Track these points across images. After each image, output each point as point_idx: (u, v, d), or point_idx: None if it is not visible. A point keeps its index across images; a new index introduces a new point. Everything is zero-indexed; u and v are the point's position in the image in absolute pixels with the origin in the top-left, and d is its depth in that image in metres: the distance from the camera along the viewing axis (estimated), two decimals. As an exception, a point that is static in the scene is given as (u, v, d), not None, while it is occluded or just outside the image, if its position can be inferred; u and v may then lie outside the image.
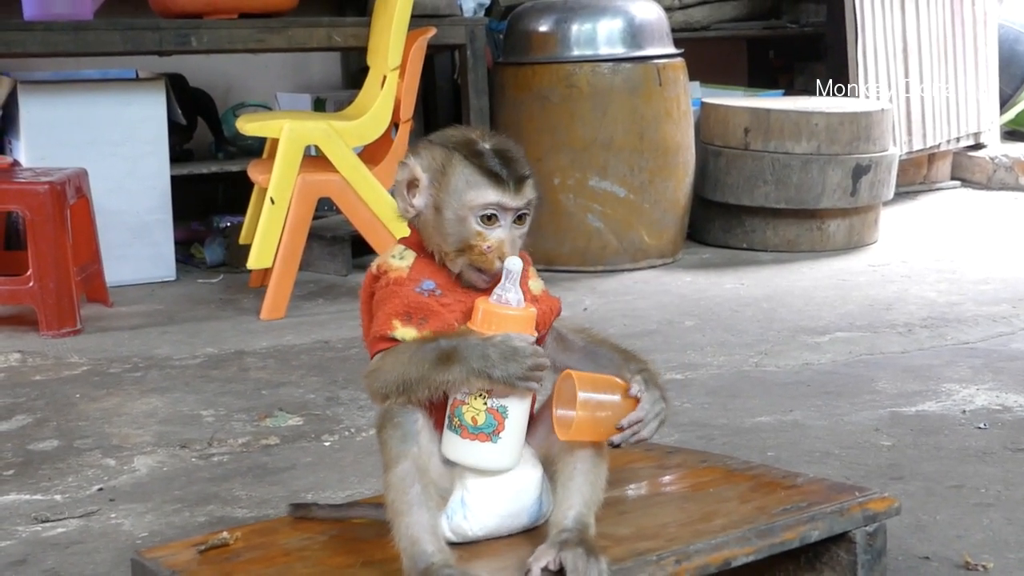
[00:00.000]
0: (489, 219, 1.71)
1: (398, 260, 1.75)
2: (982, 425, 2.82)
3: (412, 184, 1.74)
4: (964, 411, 2.93)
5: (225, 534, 1.79)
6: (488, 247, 1.71)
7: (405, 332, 1.69)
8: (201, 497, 2.54)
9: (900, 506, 1.85)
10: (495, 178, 1.70)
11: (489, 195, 1.70)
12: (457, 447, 1.69)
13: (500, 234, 1.71)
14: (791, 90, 6.33)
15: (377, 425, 1.71)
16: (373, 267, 1.78)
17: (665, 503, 1.80)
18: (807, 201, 4.94)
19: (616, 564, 1.60)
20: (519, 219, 1.73)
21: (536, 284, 1.82)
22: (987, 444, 2.68)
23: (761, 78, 6.65)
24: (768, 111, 4.98)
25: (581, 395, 1.65)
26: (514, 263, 1.69)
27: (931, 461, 2.58)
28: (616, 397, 1.68)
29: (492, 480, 1.70)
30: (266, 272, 4.28)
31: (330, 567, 1.67)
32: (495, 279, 1.71)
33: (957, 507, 2.30)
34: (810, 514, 1.76)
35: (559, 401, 1.70)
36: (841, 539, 1.79)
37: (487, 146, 1.73)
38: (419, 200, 1.74)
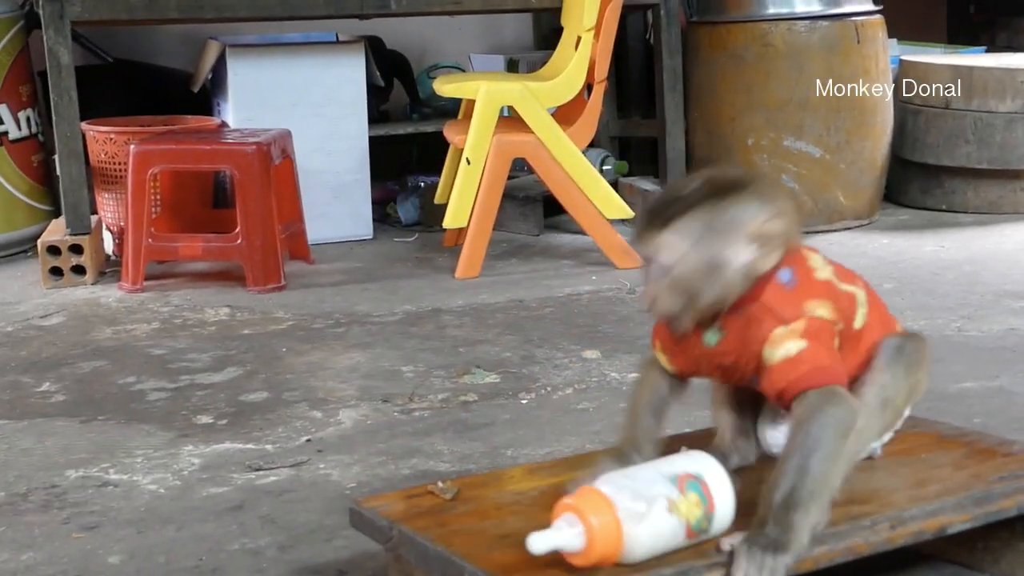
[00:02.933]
0: (643, 267, 1.73)
1: None
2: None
3: None
4: None
5: (441, 484, 1.85)
6: (644, 294, 1.74)
7: (659, 355, 1.86)
8: (405, 451, 2.61)
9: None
10: (639, 231, 1.73)
11: (634, 246, 1.76)
12: None
13: (648, 282, 1.72)
14: (993, 47, 6.10)
15: None
16: None
17: (877, 468, 1.78)
18: (1011, 161, 4.79)
19: (830, 528, 1.60)
20: (664, 269, 1.68)
21: (777, 354, 1.68)
22: None
23: (961, 34, 6.44)
24: (971, 68, 4.83)
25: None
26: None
27: None
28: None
29: None
30: (460, 231, 4.35)
31: (543, 521, 1.69)
32: (673, 327, 1.75)
33: None
34: (1028, 482, 1.73)
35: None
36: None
37: (665, 196, 1.73)
38: None
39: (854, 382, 1.77)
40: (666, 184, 1.79)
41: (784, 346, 1.67)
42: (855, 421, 1.65)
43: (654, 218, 1.70)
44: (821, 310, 1.70)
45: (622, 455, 1.82)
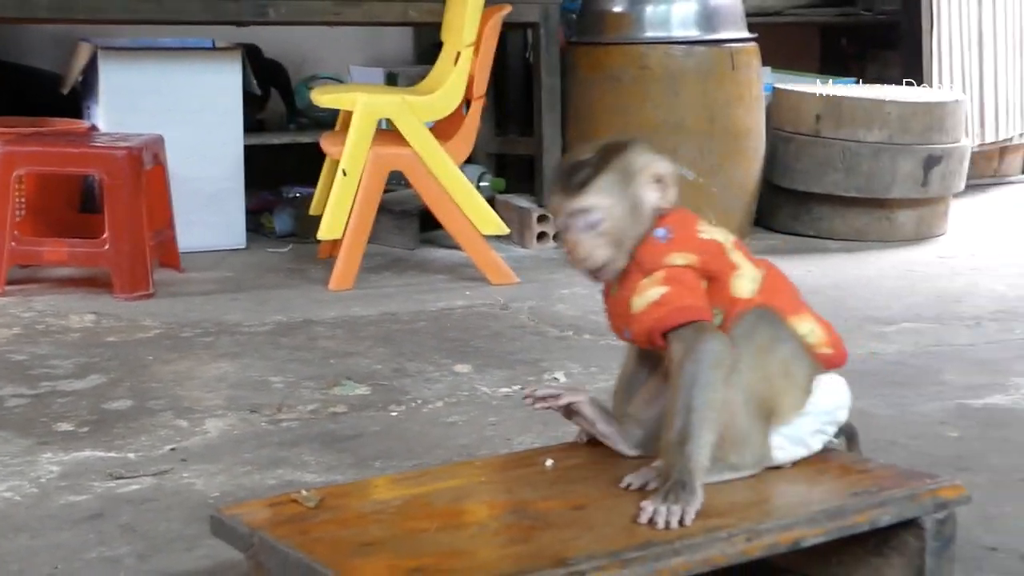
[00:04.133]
0: (562, 224, 1.91)
1: None
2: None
3: None
4: (1032, 405, 2.92)
5: (304, 492, 1.83)
6: (565, 249, 1.93)
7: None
8: (271, 461, 2.58)
9: (970, 496, 1.86)
10: (554, 186, 1.93)
11: (553, 201, 1.92)
12: None
13: (571, 236, 1.90)
14: (863, 78, 6.27)
15: None
16: None
17: (736, 482, 1.81)
18: (877, 190, 4.92)
19: (687, 539, 1.62)
20: (591, 224, 1.87)
21: (639, 303, 1.87)
22: (1056, 439, 2.67)
23: (833, 65, 6.60)
24: (841, 98, 4.96)
25: None
26: None
27: (998, 454, 2.58)
28: None
29: None
30: (335, 243, 4.32)
31: (405, 530, 1.70)
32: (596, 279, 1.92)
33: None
34: (881, 499, 1.78)
35: None
36: (910, 525, 1.79)
37: (574, 159, 1.91)
38: None
39: None
40: (566, 155, 2.04)
41: (647, 294, 1.86)
42: (727, 350, 1.81)
43: (572, 182, 1.88)
44: (680, 259, 1.86)
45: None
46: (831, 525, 1.70)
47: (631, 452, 1.96)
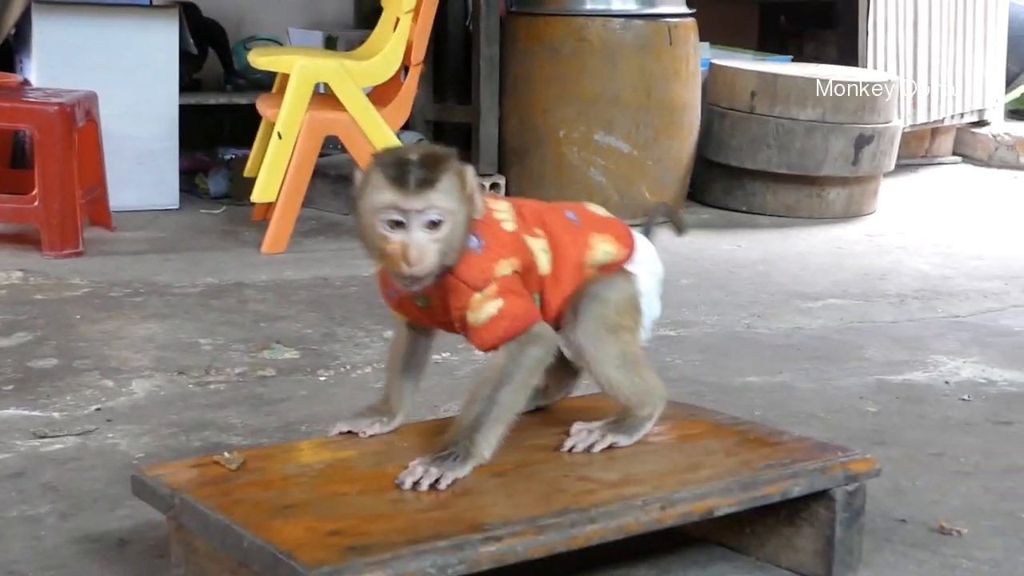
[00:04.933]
0: (393, 224, 1.76)
1: (372, 264, 1.90)
2: (966, 397, 2.87)
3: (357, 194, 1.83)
4: (948, 382, 2.99)
5: (227, 455, 1.84)
6: (391, 250, 1.76)
7: (397, 315, 1.99)
8: (197, 423, 2.58)
9: (880, 468, 1.90)
10: (396, 181, 1.75)
11: (387, 197, 1.75)
12: None
13: (402, 236, 1.76)
14: (800, 56, 6.33)
15: None
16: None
17: (653, 452, 1.85)
18: (808, 168, 4.98)
19: (603, 507, 1.65)
20: (432, 225, 1.77)
21: (478, 316, 1.84)
22: (970, 415, 2.73)
23: (771, 43, 6.66)
24: (776, 76, 5.01)
25: None
26: None
27: (914, 429, 2.64)
28: None
29: None
30: (269, 206, 4.31)
31: (326, 493, 1.72)
32: (412, 287, 1.80)
33: (936, 474, 2.36)
34: (793, 470, 1.82)
35: None
36: (822, 496, 1.84)
37: (404, 157, 1.78)
38: (356, 209, 1.83)
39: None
40: (384, 151, 1.87)
41: (485, 309, 1.83)
42: (550, 352, 1.87)
43: (413, 178, 1.76)
44: (506, 268, 1.85)
45: (380, 412, 2.00)
46: (743, 495, 1.74)
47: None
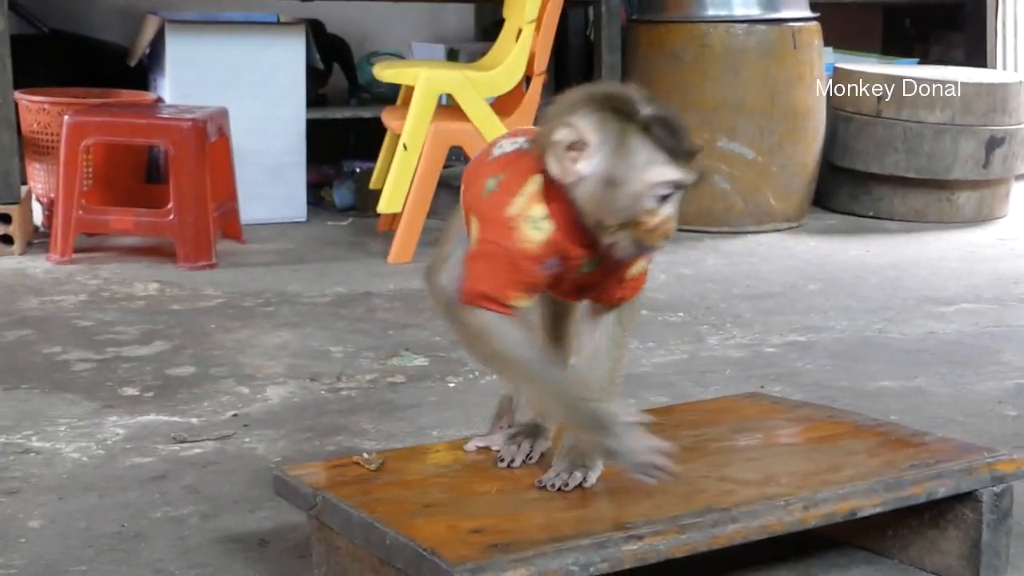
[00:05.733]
0: (664, 197, 1.64)
1: (534, 230, 1.68)
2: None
3: (574, 147, 1.64)
4: (1092, 386, 2.90)
5: (366, 455, 1.86)
6: (656, 223, 1.65)
7: (521, 302, 1.71)
8: (330, 428, 2.62)
9: (1030, 470, 1.86)
10: (673, 154, 1.63)
11: (669, 172, 1.63)
12: None
13: (670, 211, 1.65)
14: (926, 59, 6.22)
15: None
16: (509, 206, 1.69)
17: (794, 453, 1.83)
18: (938, 171, 4.88)
19: (745, 507, 1.64)
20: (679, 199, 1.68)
21: (638, 268, 1.79)
22: (1117, 419, 2.66)
23: (896, 46, 6.55)
24: (902, 79, 4.92)
25: None
26: None
27: (1058, 432, 2.57)
28: None
29: None
30: (394, 217, 4.35)
31: (465, 492, 1.73)
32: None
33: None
34: (937, 471, 1.78)
35: None
36: (967, 498, 1.80)
37: (652, 113, 1.64)
38: (584, 167, 1.64)
39: None
40: (660, 106, 1.68)
41: (640, 263, 1.78)
42: None
43: (692, 143, 1.66)
44: None
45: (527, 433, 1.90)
46: (888, 496, 1.71)
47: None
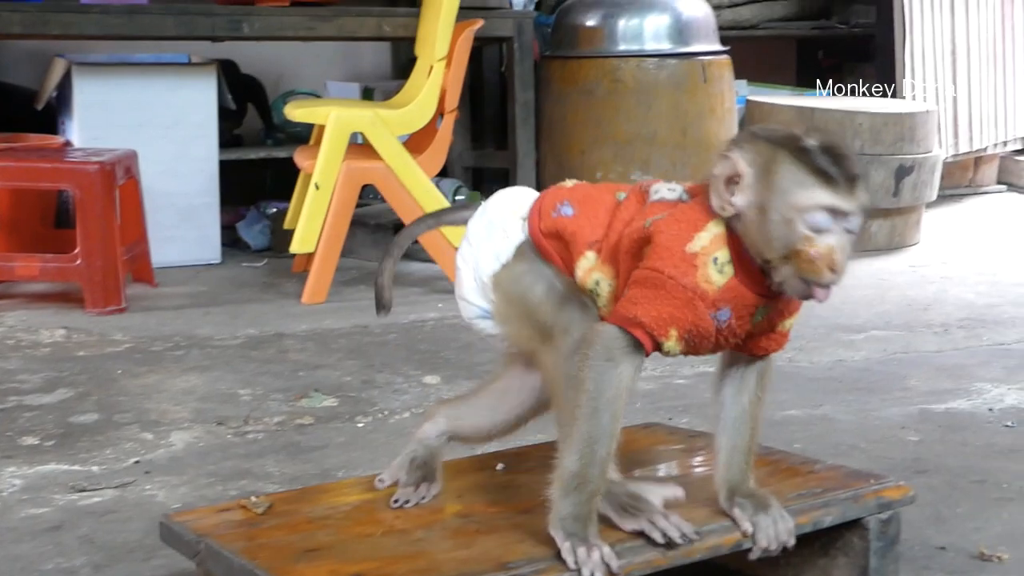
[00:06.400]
0: (818, 223, 1.56)
1: (717, 272, 1.61)
2: (1010, 423, 2.82)
3: (732, 180, 1.61)
4: (993, 409, 2.94)
5: (254, 499, 1.84)
6: (816, 253, 1.56)
7: (674, 347, 1.63)
8: (234, 472, 2.59)
9: (915, 495, 1.87)
10: (826, 177, 1.56)
11: (819, 196, 1.55)
12: None
13: (830, 240, 1.56)
14: (840, 91, 6.31)
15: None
16: (692, 243, 1.61)
17: (686, 484, 1.82)
18: (850, 201, 4.94)
19: (629, 542, 1.63)
20: (849, 228, 1.58)
21: (789, 323, 1.74)
22: (1014, 442, 2.69)
23: (810, 78, 6.63)
24: (812, 110, 4.99)
25: None
26: None
27: (956, 456, 2.59)
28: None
29: None
30: (309, 257, 4.33)
31: (351, 535, 1.71)
32: (824, 297, 1.60)
33: (978, 501, 2.32)
34: (824, 500, 1.79)
35: None
36: (855, 525, 1.80)
37: (814, 142, 1.59)
38: (740, 199, 1.60)
39: None
40: (820, 137, 1.60)
41: (791, 318, 1.73)
42: None
43: (855, 168, 1.58)
44: None
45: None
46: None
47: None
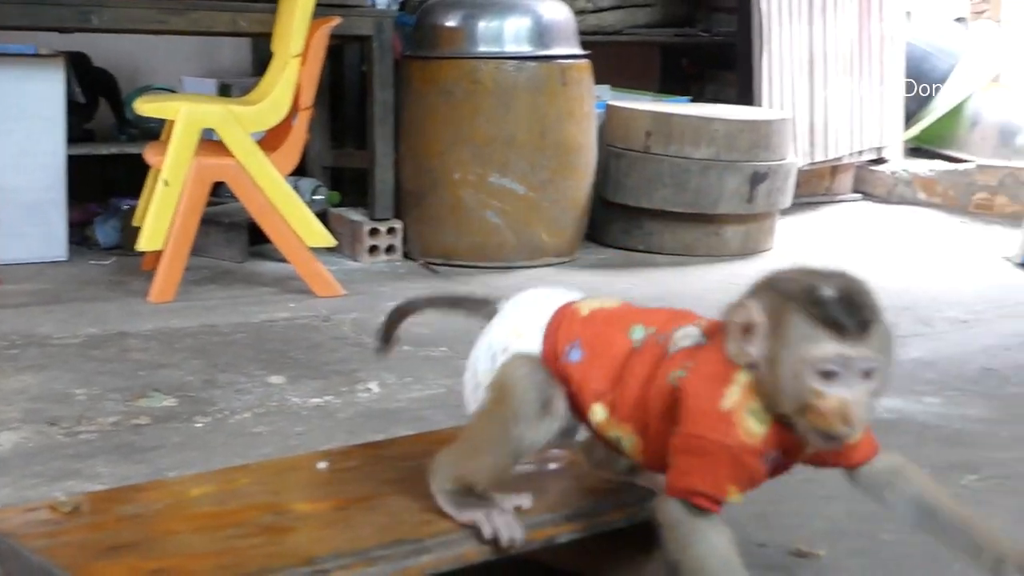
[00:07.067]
0: (828, 375, 1.52)
1: (757, 423, 1.58)
2: (843, 424, 2.86)
3: (748, 329, 1.57)
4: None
5: (63, 498, 1.79)
6: (827, 408, 1.52)
7: (737, 498, 1.62)
8: (62, 473, 2.52)
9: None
10: (834, 327, 1.51)
11: (825, 347, 1.51)
12: None
13: (842, 392, 1.52)
14: (701, 98, 6.39)
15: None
16: (723, 399, 1.59)
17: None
18: (705, 206, 5.00)
19: (440, 536, 1.61)
20: (867, 375, 1.54)
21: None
22: (845, 442, 2.73)
23: (674, 84, 6.71)
24: (669, 116, 5.04)
25: None
26: None
27: (788, 456, 2.62)
28: None
29: None
30: (159, 255, 4.24)
31: (158, 533, 1.67)
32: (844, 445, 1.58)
33: (802, 499, 2.34)
34: (639, 495, 1.79)
35: None
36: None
37: (830, 292, 1.53)
38: (755, 349, 1.57)
39: None
40: (840, 283, 1.55)
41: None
42: None
43: (868, 315, 1.53)
44: None
45: None
46: (587, 522, 1.71)
47: None
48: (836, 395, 1.52)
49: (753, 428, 1.58)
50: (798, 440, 1.59)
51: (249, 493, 1.80)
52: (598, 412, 1.69)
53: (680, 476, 1.60)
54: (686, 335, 1.67)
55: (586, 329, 1.74)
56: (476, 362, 1.82)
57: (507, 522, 1.65)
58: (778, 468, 1.65)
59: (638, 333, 1.72)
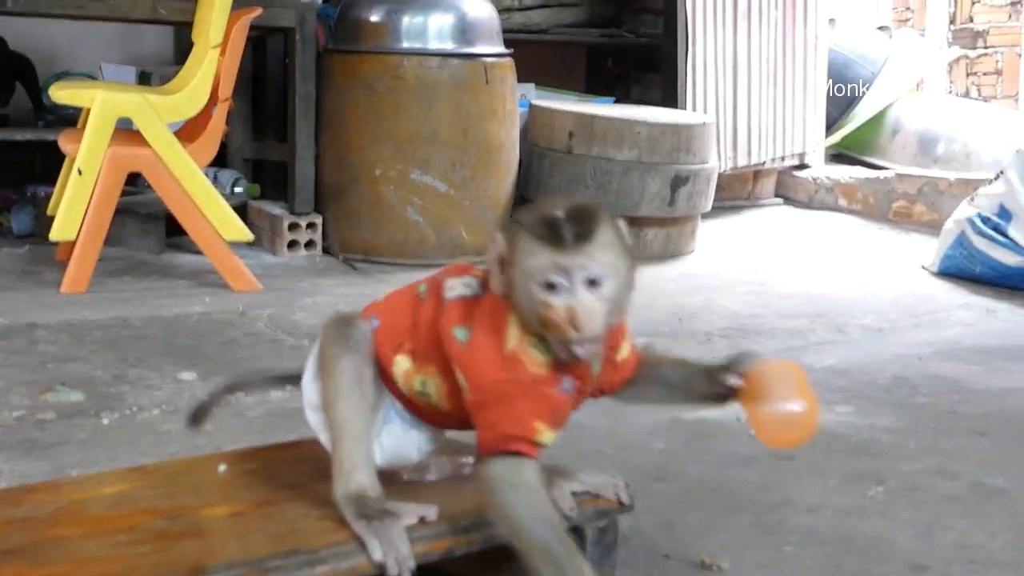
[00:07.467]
0: (551, 286, 1.59)
1: (540, 354, 1.64)
2: (753, 432, 2.87)
3: (499, 261, 1.64)
4: (740, 419, 2.97)
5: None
6: (555, 316, 1.58)
7: (549, 437, 1.65)
8: (-41, 469, 2.46)
9: (633, 504, 1.87)
10: (550, 240, 1.58)
11: (541, 258, 1.58)
12: None
13: (566, 299, 1.58)
14: (626, 99, 6.40)
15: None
16: (505, 344, 1.64)
17: (399, 493, 1.78)
18: (626, 208, 5.00)
19: (335, 547, 1.59)
20: (593, 283, 1.60)
21: (625, 348, 1.79)
22: (754, 451, 2.73)
23: (599, 85, 6.72)
24: (593, 117, 5.04)
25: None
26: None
27: (696, 464, 2.63)
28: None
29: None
30: (73, 245, 4.17)
31: (47, 538, 1.63)
32: (587, 352, 1.62)
33: (709, 509, 2.35)
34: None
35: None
36: (573, 533, 1.80)
37: (555, 212, 1.61)
38: (505, 278, 1.64)
39: None
40: (572, 206, 1.63)
41: (623, 349, 1.80)
42: None
43: (577, 229, 1.59)
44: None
45: None
46: (483, 534, 1.69)
47: None
48: (562, 304, 1.58)
49: (537, 358, 1.64)
50: (581, 363, 1.66)
51: (145, 496, 1.77)
52: (402, 362, 1.74)
53: (487, 430, 1.64)
54: (465, 284, 1.73)
55: (378, 305, 1.82)
56: (305, 386, 1.85)
57: (394, 543, 1.62)
58: (579, 397, 1.71)
59: (422, 288, 1.79)
